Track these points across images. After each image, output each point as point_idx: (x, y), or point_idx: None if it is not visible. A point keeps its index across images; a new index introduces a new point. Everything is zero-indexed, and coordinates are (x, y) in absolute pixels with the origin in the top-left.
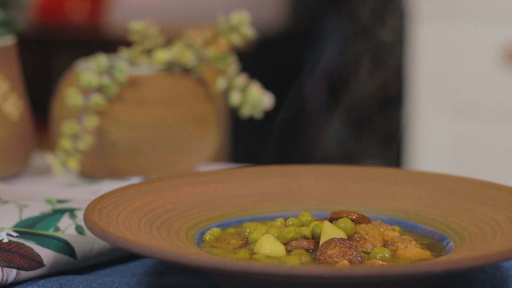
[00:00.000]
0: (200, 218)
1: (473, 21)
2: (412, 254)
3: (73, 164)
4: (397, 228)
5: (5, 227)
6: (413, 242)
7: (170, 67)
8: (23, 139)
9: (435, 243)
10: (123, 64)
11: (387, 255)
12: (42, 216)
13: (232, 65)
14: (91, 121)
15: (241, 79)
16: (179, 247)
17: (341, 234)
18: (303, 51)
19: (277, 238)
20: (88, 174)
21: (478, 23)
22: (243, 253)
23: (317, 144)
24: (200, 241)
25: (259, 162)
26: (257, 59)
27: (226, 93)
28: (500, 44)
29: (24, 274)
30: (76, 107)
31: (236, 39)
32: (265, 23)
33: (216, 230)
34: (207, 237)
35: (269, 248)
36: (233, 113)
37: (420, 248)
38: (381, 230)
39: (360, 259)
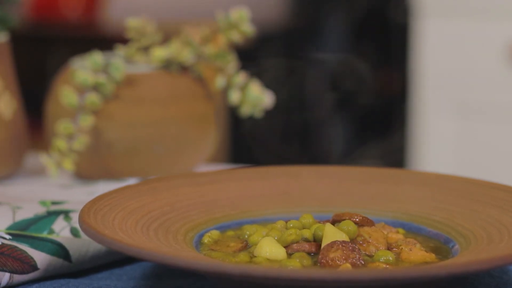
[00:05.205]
0: (198, 220)
1: (479, 17)
2: (417, 257)
3: (68, 164)
4: (401, 230)
5: None
6: (418, 245)
7: (168, 65)
8: (16, 139)
9: (440, 246)
10: (119, 62)
11: (390, 258)
12: (36, 218)
13: (232, 63)
14: (87, 121)
15: (241, 77)
16: (177, 250)
17: (343, 237)
18: (304, 48)
19: (278, 240)
20: (84, 175)
21: (484, 19)
22: (242, 256)
23: (319, 144)
24: (198, 244)
25: (259, 163)
26: (257, 57)
27: (225, 91)
28: (506, 41)
29: (18, 277)
30: (71, 106)
31: (236, 36)
32: (265, 20)
33: (215, 233)
34: (205, 239)
35: (269, 251)
36: (233, 112)
37: (425, 251)
38: (385, 232)
39: (363, 263)
